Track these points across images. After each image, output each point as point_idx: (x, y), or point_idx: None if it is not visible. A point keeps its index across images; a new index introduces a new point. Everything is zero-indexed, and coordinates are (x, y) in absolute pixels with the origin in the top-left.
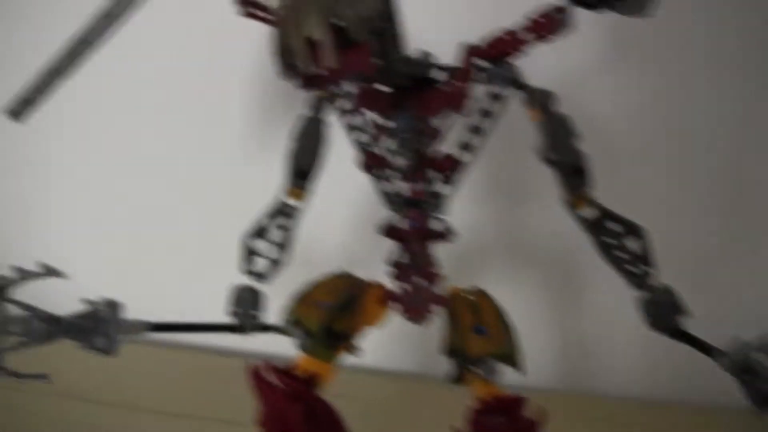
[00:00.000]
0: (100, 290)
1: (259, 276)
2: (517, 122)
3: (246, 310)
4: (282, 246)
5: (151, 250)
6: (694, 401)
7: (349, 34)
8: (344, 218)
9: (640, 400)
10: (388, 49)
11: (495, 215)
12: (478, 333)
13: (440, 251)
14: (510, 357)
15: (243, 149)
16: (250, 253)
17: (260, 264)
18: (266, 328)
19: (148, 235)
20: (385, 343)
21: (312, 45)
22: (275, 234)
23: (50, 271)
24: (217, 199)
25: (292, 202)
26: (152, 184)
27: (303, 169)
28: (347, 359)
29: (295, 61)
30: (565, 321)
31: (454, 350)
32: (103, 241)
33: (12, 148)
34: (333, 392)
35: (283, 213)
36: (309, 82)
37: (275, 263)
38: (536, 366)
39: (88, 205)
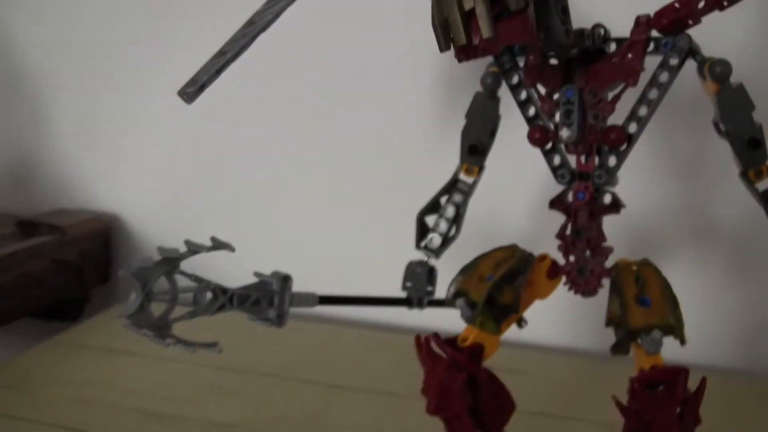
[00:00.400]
0: (273, 267)
1: (432, 251)
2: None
3: (418, 285)
4: (455, 221)
5: (328, 232)
6: None
7: (509, 5)
8: (522, 194)
9: None
10: (552, 21)
11: (679, 195)
12: (641, 304)
13: (622, 230)
14: (673, 329)
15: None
16: (424, 229)
17: (434, 240)
18: (438, 302)
19: (324, 217)
20: (559, 319)
21: (469, 17)
22: (449, 210)
23: (220, 245)
24: (396, 185)
25: (465, 178)
26: (332, 169)
27: (475, 146)
28: (523, 335)
29: (452, 33)
30: (748, 304)
31: (617, 321)
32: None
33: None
34: (507, 368)
35: (457, 189)
36: (468, 54)
37: (447, 239)
38: (719, 346)
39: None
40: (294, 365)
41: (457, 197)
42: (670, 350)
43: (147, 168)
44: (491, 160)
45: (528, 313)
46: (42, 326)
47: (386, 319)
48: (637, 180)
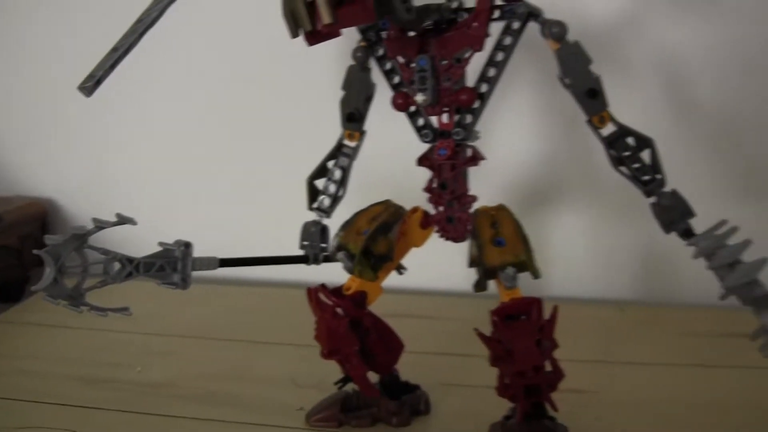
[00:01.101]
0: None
1: (324, 211)
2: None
3: (314, 243)
4: (342, 183)
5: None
6: None
7: None
8: (396, 153)
9: (715, 307)
10: (394, 1)
11: (566, 146)
12: (496, 245)
13: (520, 181)
14: (525, 265)
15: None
16: (315, 192)
17: (324, 201)
18: (330, 258)
19: (230, 191)
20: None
21: (313, 6)
22: (336, 173)
23: (124, 220)
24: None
25: (348, 143)
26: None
27: (353, 113)
28: (436, 284)
29: (299, 21)
30: (641, 237)
31: (477, 262)
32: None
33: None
34: (419, 314)
35: (342, 153)
36: (314, 38)
37: (336, 199)
38: (616, 280)
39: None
40: (219, 327)
41: (343, 161)
42: (566, 286)
43: (77, 154)
44: (375, 125)
45: (443, 263)
46: None
47: (306, 278)
48: (530, 135)
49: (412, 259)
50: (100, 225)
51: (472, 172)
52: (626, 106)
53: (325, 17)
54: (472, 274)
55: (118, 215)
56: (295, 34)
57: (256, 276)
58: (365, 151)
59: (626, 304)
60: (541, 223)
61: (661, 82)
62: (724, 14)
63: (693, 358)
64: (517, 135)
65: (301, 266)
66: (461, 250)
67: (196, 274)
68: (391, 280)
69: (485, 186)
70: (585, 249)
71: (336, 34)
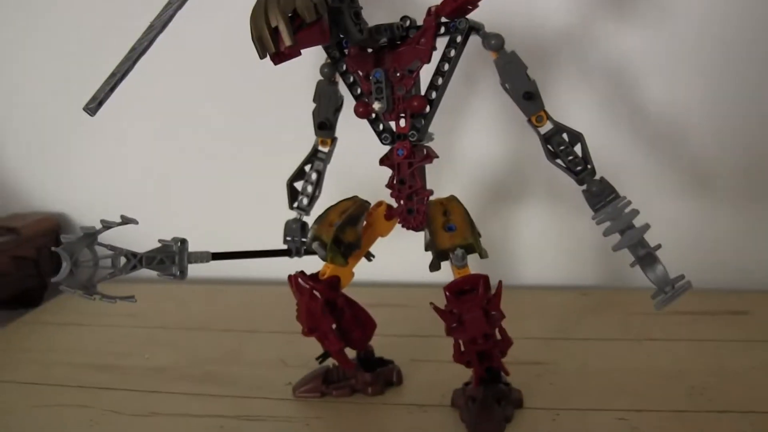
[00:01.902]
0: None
1: (303, 210)
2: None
3: (295, 238)
4: (317, 184)
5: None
6: (730, 286)
7: (304, 18)
8: (363, 156)
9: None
10: (347, 25)
11: (526, 144)
12: (448, 230)
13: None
14: (472, 247)
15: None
16: (295, 193)
17: (303, 200)
18: (310, 251)
19: (223, 197)
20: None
21: (276, 31)
22: (312, 175)
23: (127, 220)
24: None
25: (322, 148)
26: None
27: (323, 122)
28: (410, 277)
29: (265, 45)
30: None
31: (431, 245)
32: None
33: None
34: (394, 303)
35: (317, 158)
36: (279, 59)
37: (313, 198)
38: (581, 268)
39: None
40: (216, 320)
41: (318, 164)
42: (536, 275)
43: (88, 171)
44: (346, 130)
45: (414, 257)
46: (8, 314)
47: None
48: (495, 136)
49: (389, 255)
50: (107, 225)
51: (446, 171)
52: (585, 108)
53: (287, 40)
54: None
55: (122, 216)
56: (263, 56)
57: (249, 275)
58: (337, 154)
59: (590, 289)
60: (511, 218)
61: (614, 84)
62: (671, 19)
63: (637, 334)
64: (484, 136)
65: (286, 259)
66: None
67: (197, 272)
68: (368, 273)
69: (456, 183)
70: (552, 240)
71: (296, 54)
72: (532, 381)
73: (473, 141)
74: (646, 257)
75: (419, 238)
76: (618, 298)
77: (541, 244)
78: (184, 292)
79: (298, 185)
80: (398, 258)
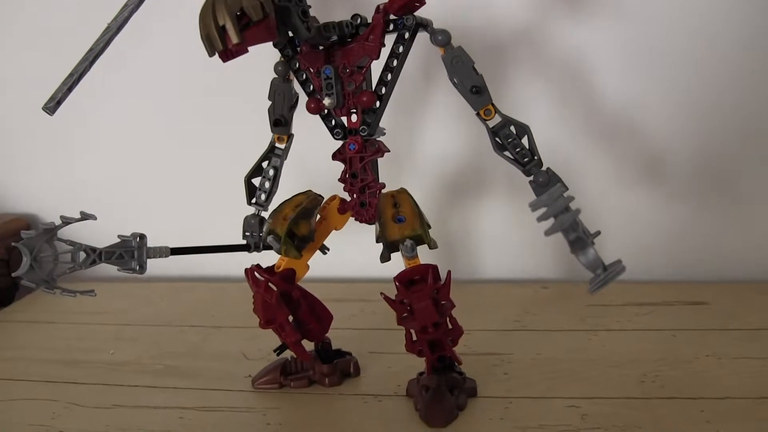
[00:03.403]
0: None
1: (261, 205)
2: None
3: (254, 233)
4: (275, 180)
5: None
6: (689, 277)
7: (251, 17)
8: (322, 151)
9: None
10: (295, 23)
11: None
12: (398, 222)
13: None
14: (421, 237)
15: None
16: (253, 189)
17: (261, 196)
18: (268, 246)
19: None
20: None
21: (224, 29)
22: (270, 171)
23: (86, 216)
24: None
25: (278, 145)
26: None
27: (279, 119)
28: (376, 272)
29: (213, 43)
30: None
31: (381, 237)
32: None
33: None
34: (360, 298)
35: (274, 154)
36: (227, 56)
37: (270, 193)
38: (541, 261)
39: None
40: (180, 316)
41: (275, 161)
42: (498, 269)
43: (58, 171)
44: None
45: (373, 253)
46: None
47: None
48: (448, 133)
49: (347, 251)
50: (66, 221)
51: (406, 167)
52: (542, 102)
53: (234, 38)
54: (397, 264)
55: (81, 212)
56: (211, 54)
57: (211, 273)
58: (294, 150)
59: (551, 282)
60: (471, 212)
61: (570, 78)
62: (625, 15)
63: (593, 324)
64: (443, 131)
65: (245, 254)
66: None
67: (159, 270)
68: (327, 269)
69: (416, 179)
70: (513, 234)
71: (244, 51)
72: (487, 371)
73: (433, 136)
74: (577, 241)
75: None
76: (577, 291)
77: (501, 238)
78: (150, 290)
79: (256, 181)
80: (356, 254)
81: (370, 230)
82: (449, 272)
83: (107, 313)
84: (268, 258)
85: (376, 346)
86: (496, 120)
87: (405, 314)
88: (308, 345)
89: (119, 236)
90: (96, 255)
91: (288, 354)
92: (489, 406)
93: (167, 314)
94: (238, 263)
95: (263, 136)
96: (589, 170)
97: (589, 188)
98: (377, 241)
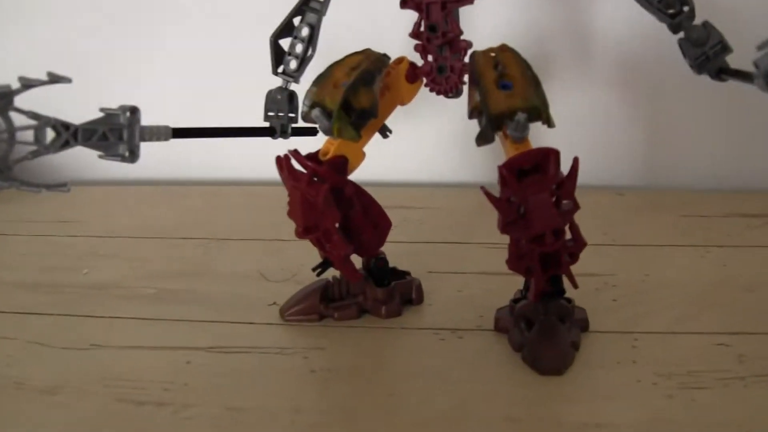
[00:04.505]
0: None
1: (290, 75)
2: None
3: (280, 112)
4: (310, 42)
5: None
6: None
7: None
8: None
9: (718, 190)
10: None
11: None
12: (502, 89)
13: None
14: (538, 110)
15: None
16: (280, 53)
17: (291, 63)
18: (303, 130)
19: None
20: (451, 158)
21: None
22: (303, 30)
23: (56, 79)
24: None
25: None
26: None
27: None
28: (420, 176)
29: None
30: (641, 119)
31: (479, 110)
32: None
33: None
34: (407, 205)
35: (310, 8)
36: None
37: (304, 60)
38: (618, 163)
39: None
40: (174, 227)
41: (311, 16)
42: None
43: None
44: None
45: (421, 155)
46: None
47: (267, 177)
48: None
49: (386, 150)
50: (27, 83)
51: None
52: None
53: None
54: (457, 164)
55: (50, 73)
56: None
57: (212, 175)
58: (334, 3)
59: (625, 189)
60: None
61: None
62: None
63: (698, 239)
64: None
65: (265, 147)
66: (446, 135)
67: (151, 171)
68: (366, 171)
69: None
70: (581, 131)
71: None
72: (590, 296)
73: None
74: None
75: (431, 123)
76: (661, 200)
77: (568, 134)
78: (130, 194)
79: (285, 43)
80: (387, 149)
81: (406, 119)
82: (576, 159)
83: (77, 222)
84: (300, 147)
85: (435, 264)
86: None
87: (513, 218)
88: (355, 261)
89: (103, 110)
90: (70, 134)
91: (329, 274)
92: (609, 344)
93: (156, 224)
94: (247, 161)
95: None
96: None
97: None
98: (470, 117)
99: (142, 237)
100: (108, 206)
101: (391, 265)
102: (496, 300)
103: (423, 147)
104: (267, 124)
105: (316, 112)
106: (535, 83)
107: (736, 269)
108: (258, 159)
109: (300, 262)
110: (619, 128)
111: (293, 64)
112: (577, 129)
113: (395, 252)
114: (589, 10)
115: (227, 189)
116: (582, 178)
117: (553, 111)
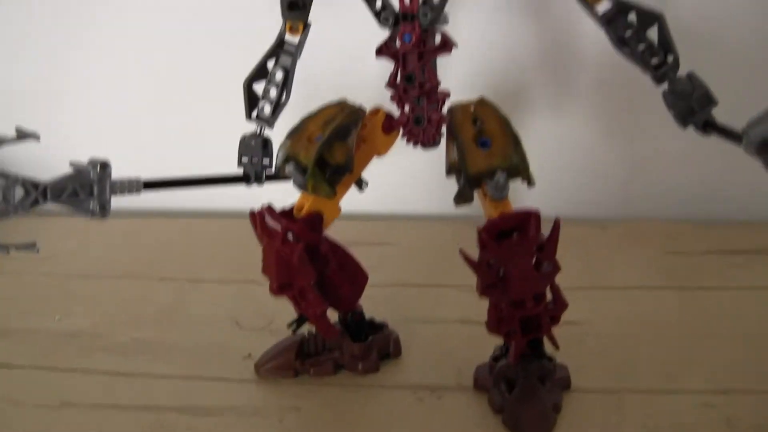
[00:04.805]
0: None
1: (265, 120)
2: None
3: (254, 159)
4: (284, 86)
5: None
6: (740, 218)
7: None
8: (346, 48)
9: (694, 221)
10: None
11: (534, 28)
12: (481, 146)
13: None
14: (517, 169)
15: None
16: (254, 97)
17: (265, 108)
18: (278, 176)
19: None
20: (425, 188)
21: None
22: (277, 74)
23: (25, 135)
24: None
25: (290, 38)
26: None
27: (294, 1)
28: (391, 207)
29: None
30: (614, 147)
31: (457, 168)
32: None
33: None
34: (373, 240)
35: (284, 51)
36: None
37: (278, 105)
38: (592, 194)
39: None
40: (147, 265)
41: (285, 59)
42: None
43: None
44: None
45: (395, 184)
46: None
47: (245, 206)
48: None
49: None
50: None
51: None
52: None
53: None
54: (432, 194)
55: (18, 129)
56: None
57: (187, 206)
58: (309, 48)
59: (607, 221)
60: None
61: None
62: None
63: (680, 279)
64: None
65: (240, 188)
66: (419, 164)
67: (122, 202)
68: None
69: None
70: (561, 162)
71: None
72: (572, 348)
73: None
74: None
75: (407, 155)
76: (641, 232)
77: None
78: (109, 226)
79: (259, 87)
80: (377, 182)
81: (397, 149)
82: (557, 221)
83: (50, 259)
84: (273, 194)
85: (413, 309)
86: (606, 6)
87: (493, 281)
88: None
89: (72, 164)
90: (39, 192)
91: (305, 328)
92: (593, 405)
93: (130, 262)
94: (222, 194)
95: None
96: None
97: None
98: (448, 174)
99: (116, 277)
100: (84, 238)
101: (367, 311)
102: (476, 352)
103: (397, 177)
104: (241, 171)
105: (290, 167)
106: (514, 140)
107: (721, 315)
108: (236, 189)
109: (276, 307)
110: (599, 159)
111: (267, 109)
112: (557, 160)
113: (371, 295)
114: (568, 43)
115: (203, 221)
116: (564, 210)
117: (532, 144)
